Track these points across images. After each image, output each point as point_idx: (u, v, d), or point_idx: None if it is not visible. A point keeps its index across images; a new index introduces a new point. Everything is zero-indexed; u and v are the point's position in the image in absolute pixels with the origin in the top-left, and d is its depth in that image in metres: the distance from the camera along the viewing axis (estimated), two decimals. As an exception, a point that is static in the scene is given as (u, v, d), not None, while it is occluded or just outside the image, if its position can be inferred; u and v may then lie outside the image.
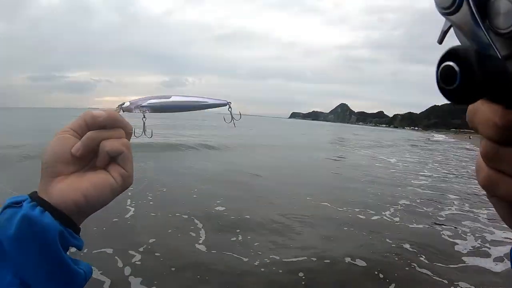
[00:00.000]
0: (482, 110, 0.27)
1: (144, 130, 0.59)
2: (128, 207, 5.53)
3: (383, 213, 6.25)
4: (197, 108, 0.60)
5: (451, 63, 0.25)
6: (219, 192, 6.86)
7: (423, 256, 4.23)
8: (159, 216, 5.28)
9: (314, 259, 4.00)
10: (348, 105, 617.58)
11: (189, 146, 15.15)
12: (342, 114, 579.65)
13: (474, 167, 0.31)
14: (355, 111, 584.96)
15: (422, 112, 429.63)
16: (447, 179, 11.02)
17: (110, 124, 0.50)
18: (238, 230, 4.83)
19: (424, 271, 3.86)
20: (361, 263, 3.98)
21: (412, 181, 9.95)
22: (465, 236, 5.12)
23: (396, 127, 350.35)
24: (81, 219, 0.50)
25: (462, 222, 5.86)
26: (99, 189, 0.48)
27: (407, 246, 4.56)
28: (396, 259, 4.14)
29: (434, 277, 3.72)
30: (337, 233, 4.99)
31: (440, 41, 0.32)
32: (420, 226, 5.59)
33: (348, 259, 4.05)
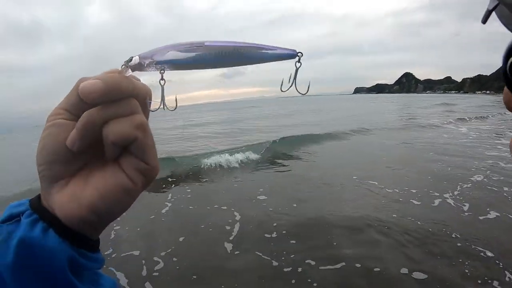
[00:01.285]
0: None
1: (164, 101, 0.39)
2: (167, 202, 5.45)
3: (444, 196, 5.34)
4: (248, 60, 0.39)
5: None
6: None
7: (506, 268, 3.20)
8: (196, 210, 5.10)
9: (359, 268, 3.36)
10: (413, 73, 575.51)
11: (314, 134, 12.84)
12: (408, 83, 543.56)
13: None
14: (421, 80, 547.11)
15: (493, 73, 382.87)
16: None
17: (113, 96, 0.33)
18: (274, 224, 4.37)
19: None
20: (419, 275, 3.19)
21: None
22: None
23: (466, 92, 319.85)
24: (99, 231, 0.38)
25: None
26: (111, 198, 0.35)
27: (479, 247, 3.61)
28: (466, 271, 3.21)
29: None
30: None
31: (484, 20, 0.30)
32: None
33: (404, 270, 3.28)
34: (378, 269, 3.31)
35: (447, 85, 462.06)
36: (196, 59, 0.39)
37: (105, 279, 0.41)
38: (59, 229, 0.34)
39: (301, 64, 0.40)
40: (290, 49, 0.40)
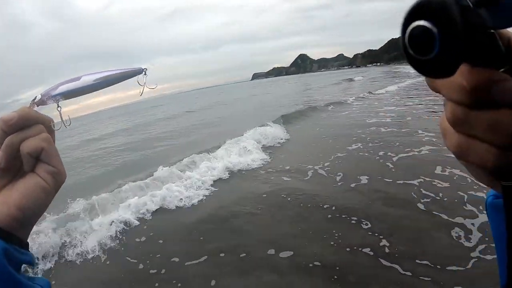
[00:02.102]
0: None
1: (63, 121, 0.55)
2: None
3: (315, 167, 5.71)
4: (111, 83, 0.56)
5: (425, 24, 0.19)
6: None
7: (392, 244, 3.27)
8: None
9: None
10: (307, 54, 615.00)
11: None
12: (303, 64, 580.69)
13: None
14: (315, 59, 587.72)
15: (381, 47, 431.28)
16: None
17: (25, 123, 0.47)
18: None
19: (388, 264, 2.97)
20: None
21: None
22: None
23: (359, 66, 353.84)
24: (27, 232, 0.48)
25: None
26: (31, 196, 0.46)
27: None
28: (332, 242, 3.40)
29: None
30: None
31: None
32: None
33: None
34: (244, 255, 3.37)
35: (340, 61, 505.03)
36: (75, 89, 0.54)
37: (40, 278, 0.47)
38: None
39: (147, 75, 0.56)
40: (137, 67, 0.57)
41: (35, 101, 0.52)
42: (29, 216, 0.46)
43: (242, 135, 8.62)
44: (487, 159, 0.26)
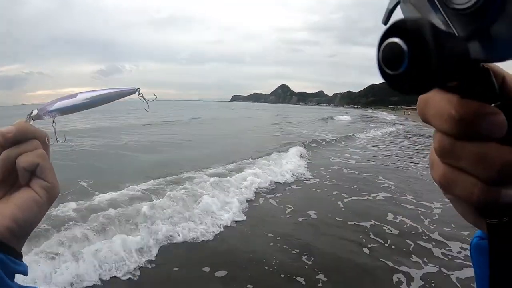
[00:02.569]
0: (435, 100, 0.25)
1: (56, 136, 0.57)
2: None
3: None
4: (106, 101, 0.59)
5: (396, 40, 0.20)
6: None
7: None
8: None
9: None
10: (289, 86, 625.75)
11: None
12: (283, 95, 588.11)
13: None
14: (296, 92, 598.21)
15: (361, 90, 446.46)
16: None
17: (22, 138, 0.49)
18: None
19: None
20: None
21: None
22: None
23: (337, 106, 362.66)
24: (20, 244, 0.49)
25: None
26: (26, 209, 0.48)
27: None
28: None
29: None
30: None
31: (385, 21, 0.28)
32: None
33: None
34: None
35: (319, 98, 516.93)
36: (71, 106, 0.56)
37: (32, 287, 0.50)
38: None
39: (141, 94, 0.58)
40: (131, 87, 0.59)
41: (31, 115, 0.54)
42: (23, 228, 0.47)
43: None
44: (473, 193, 0.26)
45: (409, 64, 0.19)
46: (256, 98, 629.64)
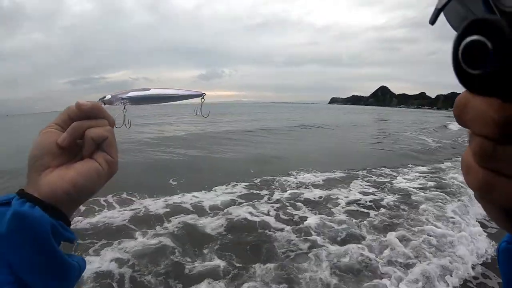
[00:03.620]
0: (474, 104, 0.24)
1: (125, 121, 0.61)
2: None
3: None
4: (173, 99, 0.63)
5: (480, 38, 0.19)
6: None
7: None
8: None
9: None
10: (389, 87, 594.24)
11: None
12: (383, 97, 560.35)
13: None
14: (396, 94, 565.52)
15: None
16: None
17: (94, 114, 0.52)
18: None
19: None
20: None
21: None
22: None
23: (439, 108, 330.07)
24: (72, 211, 0.51)
25: None
26: (87, 176, 0.50)
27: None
28: None
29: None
30: None
31: (433, 20, 0.28)
32: None
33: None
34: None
35: (420, 100, 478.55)
36: (142, 97, 0.61)
37: (78, 257, 0.51)
38: (43, 206, 0.45)
39: (204, 99, 0.63)
40: (198, 91, 0.64)
41: (104, 99, 0.59)
42: (80, 193, 0.49)
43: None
44: None
45: (495, 62, 0.18)
46: (355, 100, 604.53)
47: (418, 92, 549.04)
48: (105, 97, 0.58)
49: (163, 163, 9.27)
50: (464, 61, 0.19)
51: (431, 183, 7.18)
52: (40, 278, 0.44)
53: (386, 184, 7.10)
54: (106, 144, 0.52)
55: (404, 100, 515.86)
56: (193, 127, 20.08)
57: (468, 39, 0.19)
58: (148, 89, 0.61)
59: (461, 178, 6.64)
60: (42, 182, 0.47)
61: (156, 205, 5.41)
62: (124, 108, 0.60)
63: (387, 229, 4.62)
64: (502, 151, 0.24)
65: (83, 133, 0.50)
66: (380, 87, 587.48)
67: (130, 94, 0.60)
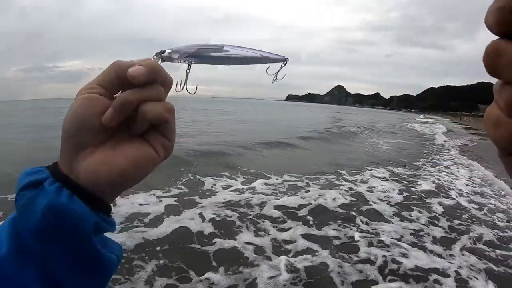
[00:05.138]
0: (509, 49, 0.22)
1: (186, 86, 0.49)
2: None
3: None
4: (252, 62, 0.51)
5: None
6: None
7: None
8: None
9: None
10: (345, 87, 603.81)
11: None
12: (339, 96, 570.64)
13: None
14: (351, 93, 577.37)
15: (419, 94, 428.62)
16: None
17: (149, 80, 0.38)
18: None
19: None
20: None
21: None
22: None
23: (393, 109, 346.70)
24: (115, 196, 0.41)
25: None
26: (138, 165, 0.39)
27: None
28: None
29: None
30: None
31: None
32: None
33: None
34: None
35: (375, 100, 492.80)
36: (214, 57, 0.49)
37: (112, 241, 0.42)
38: (82, 196, 0.36)
39: (284, 66, 0.52)
40: (281, 55, 0.52)
41: (162, 54, 0.46)
42: (125, 184, 0.40)
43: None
44: None
45: None
46: (311, 98, 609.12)
47: (373, 93, 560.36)
48: (164, 51, 0.46)
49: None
50: None
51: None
52: (74, 279, 0.37)
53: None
54: (167, 127, 0.41)
55: (359, 100, 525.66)
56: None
57: None
58: (222, 46, 0.49)
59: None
60: (80, 166, 0.37)
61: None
62: (188, 69, 0.49)
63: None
64: None
65: (135, 108, 0.38)
66: (337, 86, 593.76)
67: (199, 51, 0.47)
